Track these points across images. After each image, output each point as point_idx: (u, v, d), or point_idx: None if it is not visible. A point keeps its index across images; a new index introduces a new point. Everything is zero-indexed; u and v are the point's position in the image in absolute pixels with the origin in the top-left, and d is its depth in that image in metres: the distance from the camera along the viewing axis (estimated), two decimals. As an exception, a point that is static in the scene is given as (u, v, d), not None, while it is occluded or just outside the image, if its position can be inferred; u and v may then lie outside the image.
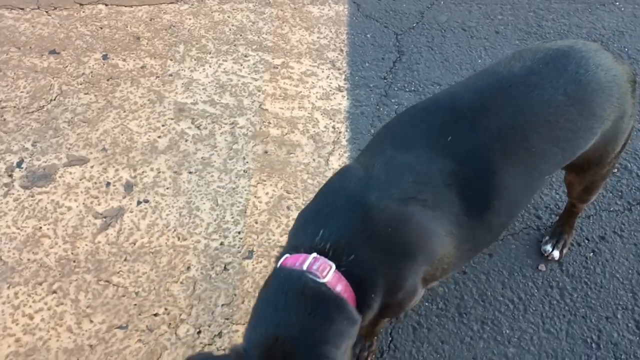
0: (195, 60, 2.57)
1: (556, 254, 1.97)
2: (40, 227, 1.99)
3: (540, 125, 1.33)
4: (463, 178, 1.28)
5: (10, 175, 2.12)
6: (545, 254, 1.97)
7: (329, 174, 2.19)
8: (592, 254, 2.01)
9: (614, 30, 2.75)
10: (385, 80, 2.55)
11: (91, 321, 1.78)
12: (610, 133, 1.44)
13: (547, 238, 2.00)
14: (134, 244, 1.96)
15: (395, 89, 2.52)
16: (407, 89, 2.51)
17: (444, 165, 1.28)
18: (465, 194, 1.25)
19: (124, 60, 2.55)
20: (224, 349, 1.74)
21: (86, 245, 1.95)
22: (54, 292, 1.84)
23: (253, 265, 1.94)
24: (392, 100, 2.47)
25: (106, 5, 2.82)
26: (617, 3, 2.90)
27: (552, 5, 2.88)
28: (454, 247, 1.30)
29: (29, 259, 1.91)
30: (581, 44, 1.46)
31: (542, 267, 1.97)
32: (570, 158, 1.43)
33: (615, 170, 2.21)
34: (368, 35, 2.74)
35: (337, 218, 1.23)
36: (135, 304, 1.83)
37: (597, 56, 1.42)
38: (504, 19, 2.82)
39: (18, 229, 1.98)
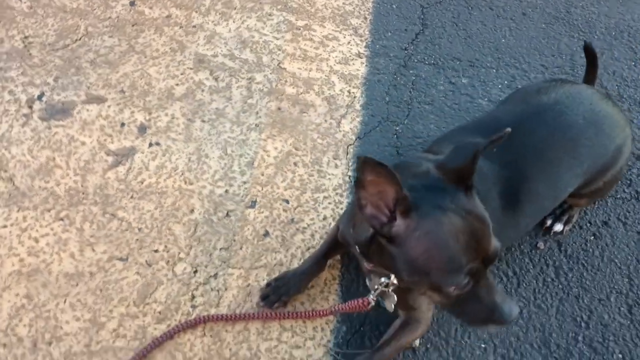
0: (220, 14, 2.60)
1: (558, 226, 1.98)
2: (54, 158, 2.05)
3: (566, 142, 1.67)
4: (504, 181, 1.57)
5: (30, 107, 2.18)
6: (547, 226, 1.98)
7: (339, 136, 2.21)
8: (592, 237, 2.00)
9: (644, 23, 2.71)
10: (405, 51, 2.55)
11: (93, 250, 1.85)
12: (621, 148, 1.78)
13: (552, 214, 1.99)
14: (142, 183, 2.02)
15: (415, 60, 2.51)
16: (426, 62, 2.51)
17: (492, 167, 1.57)
18: (504, 194, 1.50)
19: (151, 8, 2.59)
20: (217, 289, 1.79)
21: (96, 179, 2.01)
22: (61, 219, 1.91)
23: (255, 214, 1.97)
24: (410, 72, 2.47)
25: (139, -45, 2.87)
26: (651, -4, 2.85)
27: (583, -8, 2.84)
28: None
29: (40, 187, 1.97)
30: (589, 87, 1.92)
31: (540, 245, 1.98)
32: (588, 171, 1.72)
33: (627, 159, 2.19)
34: (394, 6, 2.73)
35: None
36: (137, 239, 1.88)
37: (600, 95, 1.84)
38: (533, 2, 2.79)
39: (33, 157, 2.04)
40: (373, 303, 1.56)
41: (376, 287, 1.52)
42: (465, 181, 1.24)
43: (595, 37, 2.64)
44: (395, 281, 1.45)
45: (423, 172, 1.30)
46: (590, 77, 2.02)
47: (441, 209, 1.21)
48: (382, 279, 1.49)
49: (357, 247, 1.41)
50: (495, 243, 1.24)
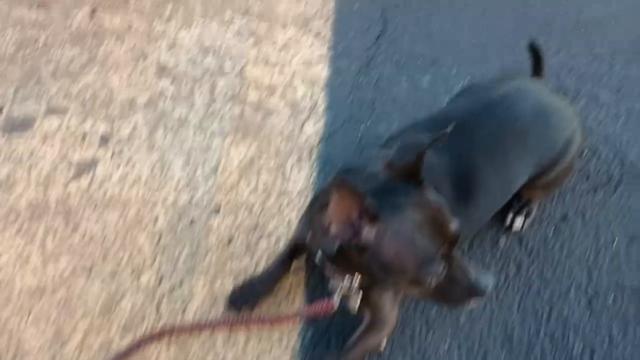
0: (181, 21, 2.60)
1: (519, 222, 2.02)
2: (15, 172, 2.03)
3: (513, 135, 1.71)
4: (455, 173, 1.60)
5: (-10, 121, 2.17)
6: (508, 222, 2.02)
7: (303, 139, 2.23)
8: (552, 232, 2.04)
9: (601, 19, 2.74)
10: (368, 52, 2.57)
11: (56, 263, 1.84)
12: (570, 139, 1.82)
13: (511, 209, 2.04)
14: (105, 194, 2.01)
15: (378, 60, 2.54)
16: (389, 61, 2.53)
17: (443, 160, 1.59)
18: (456, 186, 1.51)
19: (111, 17, 2.58)
20: (183, 298, 1.79)
21: (58, 191, 2.00)
22: (23, 233, 1.89)
23: (219, 221, 1.98)
24: (373, 72, 2.49)
25: (99, -38, 2.85)
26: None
27: (542, -9, 2.89)
28: None
29: (0, 202, 1.96)
30: (537, 82, 1.98)
31: (502, 241, 2.01)
32: (538, 163, 1.76)
33: (585, 153, 2.24)
34: (355, 7, 2.75)
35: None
36: (101, 250, 1.88)
37: (548, 90, 1.91)
38: (493, 0, 2.83)
39: (-7, 172, 2.03)
40: (337, 305, 1.58)
41: (340, 287, 1.54)
42: (415, 178, 1.28)
43: (554, 34, 2.69)
44: (357, 281, 1.48)
45: (372, 173, 1.33)
46: (537, 72, 2.06)
47: (400, 208, 1.24)
48: (345, 280, 1.51)
49: (319, 255, 1.42)
50: (455, 223, 1.29)
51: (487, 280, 1.33)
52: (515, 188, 1.78)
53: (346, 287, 1.51)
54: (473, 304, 1.37)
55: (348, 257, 1.29)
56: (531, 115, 1.73)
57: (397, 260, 1.24)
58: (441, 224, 1.26)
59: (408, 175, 1.28)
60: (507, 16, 2.77)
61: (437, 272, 1.26)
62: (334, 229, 1.23)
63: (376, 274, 1.30)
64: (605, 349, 1.78)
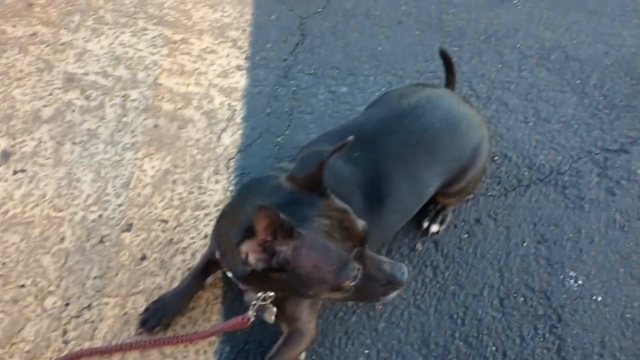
0: (90, 30, 2.50)
1: (435, 227, 2.06)
2: None
3: (423, 144, 1.75)
4: (365, 182, 1.62)
5: None
6: (424, 227, 2.06)
7: (220, 150, 2.19)
8: (466, 235, 2.10)
9: (509, 27, 2.88)
10: (285, 62, 2.56)
11: (-49, 291, 1.72)
12: (478, 147, 1.88)
13: (427, 215, 2.08)
14: (6, 214, 1.89)
15: (295, 71, 2.54)
16: (306, 72, 2.54)
17: (353, 171, 1.63)
18: (367, 195, 1.53)
19: (14, 26, 2.45)
20: (92, 321, 1.71)
21: (-47, 213, 1.87)
22: None
23: (131, 238, 1.91)
24: (291, 82, 2.49)
25: (1, -32, 2.70)
26: (516, 1, 3.03)
27: (455, 0, 2.98)
28: None
29: None
30: (447, 90, 2.03)
31: (418, 246, 2.05)
32: (447, 170, 1.81)
33: (496, 158, 2.32)
34: (272, 17, 2.74)
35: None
36: (1, 275, 1.77)
37: (458, 98, 1.97)
38: (408, 10, 2.90)
39: None
40: (253, 318, 1.57)
41: (253, 302, 1.53)
42: (317, 188, 1.30)
43: (466, 42, 2.78)
44: (271, 294, 1.49)
45: (275, 187, 1.32)
46: (449, 80, 2.12)
47: (308, 219, 1.24)
48: (259, 294, 1.51)
49: (232, 274, 1.39)
50: (361, 223, 1.33)
51: (402, 270, 1.38)
52: (427, 195, 1.82)
53: (260, 302, 1.51)
54: (393, 294, 1.42)
55: (263, 278, 1.28)
56: (440, 124, 1.77)
57: (315, 272, 1.24)
58: (349, 227, 1.29)
59: (311, 186, 1.29)
60: (422, 26, 2.84)
61: (353, 274, 1.29)
62: (252, 259, 1.22)
63: (296, 289, 1.30)
64: (516, 349, 1.83)
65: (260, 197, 1.29)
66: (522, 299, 1.95)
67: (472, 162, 1.88)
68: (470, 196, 2.18)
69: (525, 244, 2.09)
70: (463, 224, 2.13)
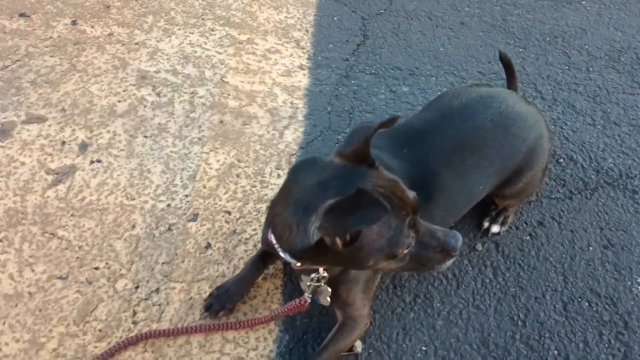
0: (162, 31, 2.62)
1: (495, 228, 2.04)
2: (-8, 179, 2.03)
3: (472, 143, 1.76)
4: (414, 177, 1.60)
5: (-32, 129, 2.17)
6: (484, 227, 2.04)
7: (282, 147, 2.24)
8: (529, 237, 2.06)
9: (576, 28, 2.82)
10: (347, 62, 2.60)
11: (32, 270, 1.83)
12: (534, 148, 1.86)
13: (488, 215, 2.07)
14: (82, 201, 2.01)
15: (357, 71, 2.57)
16: (367, 72, 2.57)
17: (401, 165, 1.64)
18: (414, 187, 1.46)
19: (92, 27, 2.60)
20: (159, 304, 1.79)
21: (35, 199, 2.00)
22: (0, 240, 1.89)
23: (197, 227, 1.98)
24: (352, 82, 2.52)
25: (82, -27, 2.87)
26: (584, 2, 2.97)
27: (519, 1, 2.94)
28: None
29: (-23, 208, 1.95)
30: (503, 90, 2.00)
31: (479, 246, 2.03)
32: (499, 171, 1.81)
33: (561, 160, 2.27)
34: (335, 18, 2.79)
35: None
36: (77, 257, 1.87)
37: (514, 97, 1.92)
38: (471, 11, 2.88)
39: (-31, 179, 2.02)
40: (309, 300, 1.62)
41: (308, 284, 1.58)
42: (365, 159, 1.33)
43: (531, 43, 2.74)
44: (324, 274, 1.54)
45: (325, 164, 1.36)
46: (510, 82, 2.10)
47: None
48: (313, 275, 1.55)
49: (286, 253, 1.43)
50: (411, 193, 1.37)
51: (456, 237, 1.42)
52: (477, 194, 1.82)
53: (314, 283, 1.56)
54: (449, 263, 1.45)
55: (324, 252, 1.30)
56: (490, 124, 1.77)
57: (377, 240, 1.28)
58: (401, 196, 1.32)
59: (359, 159, 1.32)
60: (486, 27, 2.82)
61: (408, 242, 1.33)
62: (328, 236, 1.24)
63: (354, 260, 1.33)
64: (580, 354, 1.79)
65: (312, 174, 1.33)
66: (586, 303, 1.90)
67: (528, 163, 1.85)
68: (532, 198, 2.15)
69: (591, 248, 2.03)
70: (525, 225, 2.09)
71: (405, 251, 1.34)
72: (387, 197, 1.28)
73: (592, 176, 2.24)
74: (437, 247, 1.40)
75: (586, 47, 2.73)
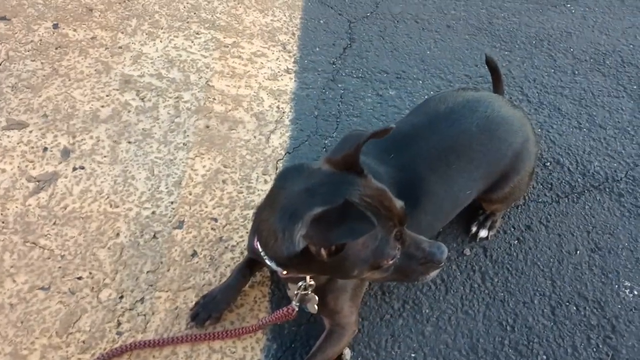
0: (146, 34, 2.58)
1: (483, 233, 2.04)
2: (-29, 187, 1.99)
3: (457, 148, 1.76)
4: (401, 182, 1.62)
5: (-54, 135, 2.11)
6: (472, 232, 2.04)
7: (269, 152, 2.22)
8: (516, 241, 2.06)
9: (562, 31, 2.83)
10: (334, 66, 2.58)
11: (14, 281, 1.79)
12: (520, 152, 1.85)
13: (476, 220, 2.06)
14: (65, 209, 1.97)
15: (343, 74, 2.55)
16: (354, 75, 2.55)
17: (388, 171, 1.64)
18: (402, 194, 1.45)
19: (75, 30, 2.55)
20: (144, 314, 1.76)
21: (16, 207, 1.95)
22: (-21, 251, 1.85)
23: (182, 234, 1.95)
24: (339, 85, 2.50)
25: (64, -25, 2.82)
26: (569, 5, 2.98)
27: (505, 4, 2.94)
28: None
29: (-44, 218, 1.91)
30: (489, 94, 1.99)
31: (467, 251, 2.02)
32: (485, 175, 1.81)
33: (548, 164, 2.27)
34: (321, 21, 2.77)
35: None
36: (60, 267, 1.84)
37: (500, 101, 1.91)
38: (457, 14, 2.88)
39: (-52, 187, 1.98)
40: (297, 309, 1.61)
41: (295, 292, 1.57)
42: (354, 167, 1.32)
43: (517, 46, 2.74)
44: (311, 282, 1.53)
45: (314, 170, 1.34)
46: (496, 85, 2.10)
47: (350, 197, 1.25)
48: (300, 283, 1.54)
49: (272, 260, 1.41)
50: (399, 203, 1.36)
51: (441, 249, 1.41)
52: (464, 199, 1.82)
53: (302, 291, 1.55)
54: (434, 274, 1.45)
55: (308, 261, 1.29)
56: (476, 128, 1.77)
57: (363, 251, 1.27)
58: (388, 206, 1.31)
59: (348, 166, 1.31)
60: (472, 30, 2.81)
61: (393, 254, 1.32)
62: (314, 245, 1.23)
63: (338, 269, 1.32)
64: (568, 359, 1.79)
65: (300, 181, 1.31)
66: (574, 308, 1.90)
67: (514, 167, 1.85)
68: (519, 202, 2.15)
69: (578, 252, 2.03)
70: (513, 230, 2.09)
71: (390, 262, 1.34)
72: (375, 208, 1.27)
73: (579, 180, 2.24)
74: (422, 259, 1.40)
75: (571, 50, 2.74)
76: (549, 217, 2.13)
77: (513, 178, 1.86)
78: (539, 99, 2.52)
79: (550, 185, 2.22)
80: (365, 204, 1.26)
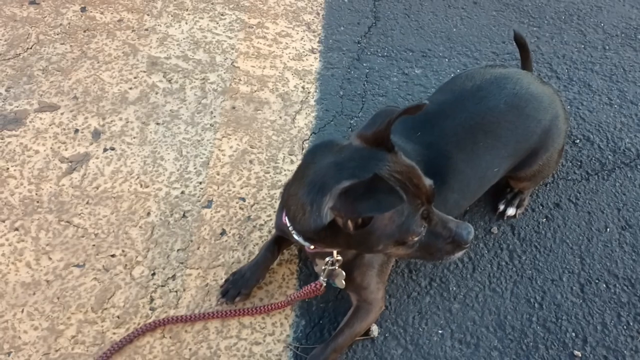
0: (172, 16, 2.60)
1: (511, 211, 2.02)
2: (8, 168, 2.04)
3: (485, 126, 1.74)
4: (428, 160, 1.61)
5: (-19, 118, 2.17)
6: (500, 210, 2.03)
7: (295, 132, 2.23)
8: (545, 219, 2.04)
9: (592, 5, 2.76)
10: (359, 45, 2.57)
11: (50, 258, 1.84)
12: (549, 129, 1.83)
13: (503, 198, 2.05)
14: (97, 189, 2.01)
15: (368, 53, 2.54)
16: (379, 54, 2.54)
17: (415, 148, 1.63)
18: (428, 171, 1.44)
19: (102, 13, 2.58)
20: (176, 291, 1.80)
21: (50, 187, 2.00)
22: (16, 229, 1.90)
23: (211, 214, 1.98)
24: (364, 64, 2.49)
25: (90, -41, 2.85)
26: (599, -20, 2.90)
27: (533, -21, 2.88)
28: None
29: (-7, 198, 1.97)
30: (518, 70, 1.94)
31: (494, 229, 2.01)
32: (513, 153, 1.79)
33: (577, 141, 2.24)
34: (346, 0, 2.75)
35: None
36: (94, 245, 1.88)
37: (529, 77, 1.89)
38: (484, -10, 2.84)
39: (-15, 168, 2.04)
40: (325, 284, 1.63)
41: (323, 267, 1.59)
42: (385, 143, 1.32)
43: (545, 22, 2.69)
44: (338, 257, 1.56)
45: (346, 145, 1.35)
46: (525, 62, 2.07)
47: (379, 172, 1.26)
48: (327, 258, 1.57)
49: (300, 235, 1.43)
50: (428, 181, 1.37)
51: (468, 230, 1.41)
52: (491, 177, 1.80)
53: (329, 267, 1.57)
54: (459, 254, 1.45)
55: (335, 234, 1.31)
56: (504, 106, 1.75)
57: (389, 225, 1.28)
58: (417, 184, 1.32)
59: (378, 142, 1.32)
60: (499, 5, 2.77)
61: (419, 230, 1.33)
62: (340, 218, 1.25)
63: (364, 243, 1.33)
64: (598, 336, 1.78)
65: (329, 156, 1.32)
66: (604, 285, 1.88)
67: (543, 144, 1.83)
68: (548, 180, 2.12)
69: (608, 230, 2.01)
70: (541, 207, 2.07)
71: (416, 239, 1.35)
72: (403, 184, 1.28)
73: (609, 157, 2.20)
74: (448, 238, 1.40)
75: (602, 25, 2.68)
76: (578, 194, 2.11)
77: (542, 156, 1.84)
78: (568, 75, 2.47)
79: (579, 163, 2.19)
80: (394, 180, 1.26)
